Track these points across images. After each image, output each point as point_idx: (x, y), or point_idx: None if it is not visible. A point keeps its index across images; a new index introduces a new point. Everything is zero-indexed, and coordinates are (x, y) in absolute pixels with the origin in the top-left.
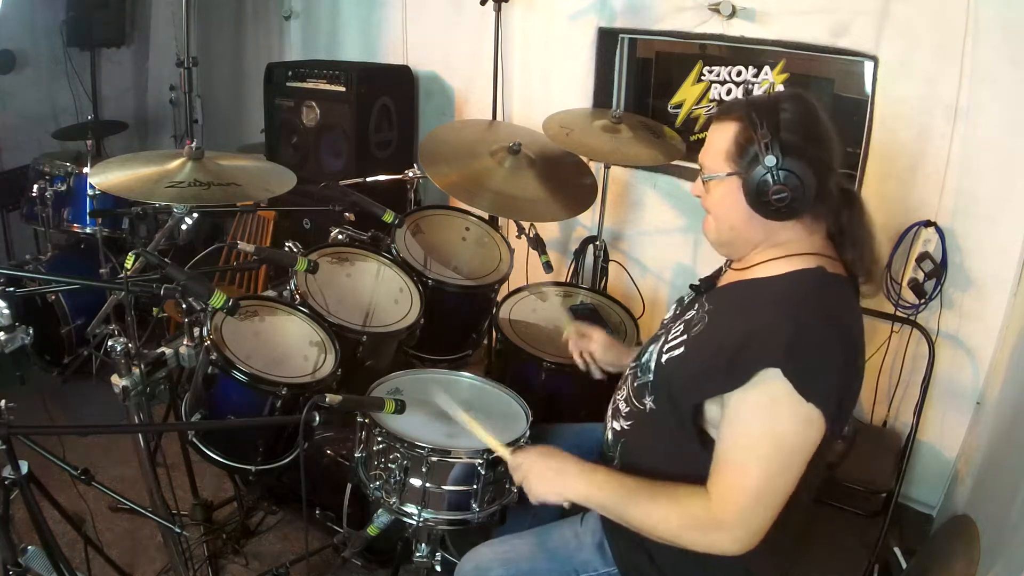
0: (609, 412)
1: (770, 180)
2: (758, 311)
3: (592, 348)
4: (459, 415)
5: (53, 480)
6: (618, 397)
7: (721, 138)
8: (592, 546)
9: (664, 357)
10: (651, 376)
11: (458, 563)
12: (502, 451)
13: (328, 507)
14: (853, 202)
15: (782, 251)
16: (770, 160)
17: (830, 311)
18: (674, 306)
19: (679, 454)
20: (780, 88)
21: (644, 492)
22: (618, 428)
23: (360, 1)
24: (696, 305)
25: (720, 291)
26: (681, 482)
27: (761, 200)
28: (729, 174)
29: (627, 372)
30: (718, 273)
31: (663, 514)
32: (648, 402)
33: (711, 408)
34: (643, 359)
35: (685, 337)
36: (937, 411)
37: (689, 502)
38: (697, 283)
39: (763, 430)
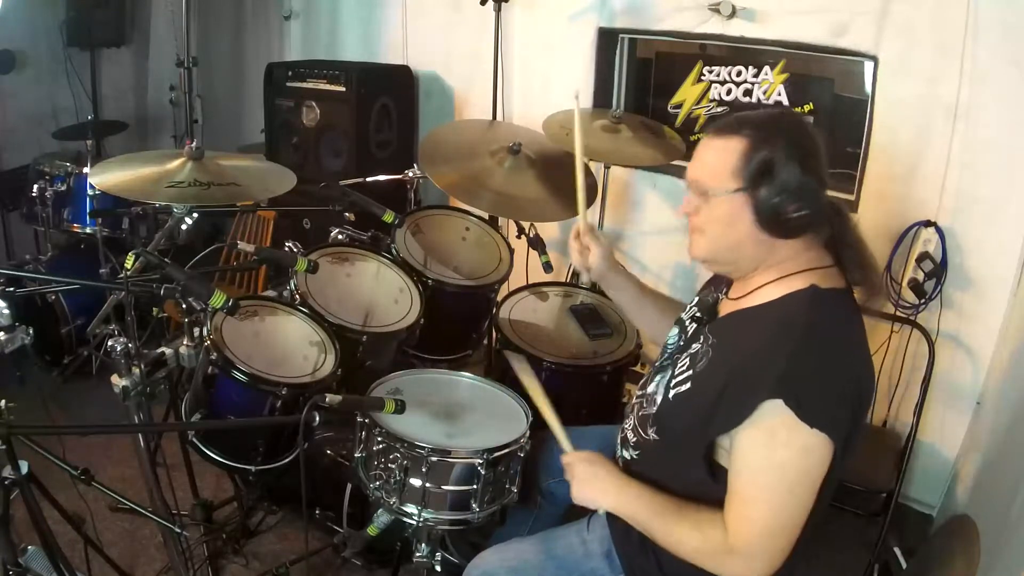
0: (619, 440)
1: (789, 198)
2: (753, 343)
3: (591, 261)
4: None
5: (53, 480)
6: (626, 426)
7: (725, 154)
8: (600, 554)
9: (671, 392)
10: (655, 409)
11: (465, 569)
12: (566, 444)
13: (328, 507)
14: (840, 211)
15: (777, 272)
16: (791, 177)
17: (823, 331)
18: (676, 330)
19: (690, 484)
20: (780, 88)
21: (671, 513)
22: (628, 457)
23: (360, 1)
24: (701, 337)
25: (721, 322)
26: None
27: (778, 219)
28: (736, 190)
29: (633, 400)
30: (717, 300)
31: (684, 535)
32: (651, 433)
33: (723, 439)
34: (648, 389)
35: (691, 372)
36: (937, 411)
37: (709, 528)
38: (700, 315)
39: (764, 462)
